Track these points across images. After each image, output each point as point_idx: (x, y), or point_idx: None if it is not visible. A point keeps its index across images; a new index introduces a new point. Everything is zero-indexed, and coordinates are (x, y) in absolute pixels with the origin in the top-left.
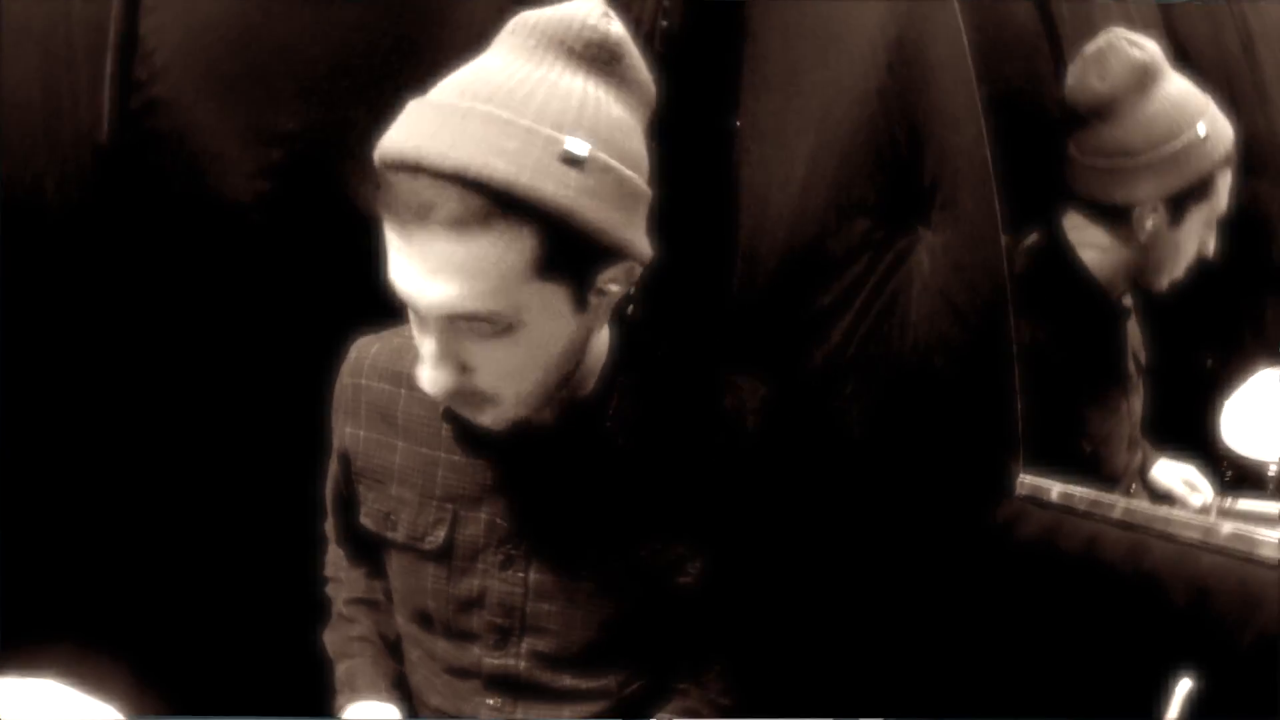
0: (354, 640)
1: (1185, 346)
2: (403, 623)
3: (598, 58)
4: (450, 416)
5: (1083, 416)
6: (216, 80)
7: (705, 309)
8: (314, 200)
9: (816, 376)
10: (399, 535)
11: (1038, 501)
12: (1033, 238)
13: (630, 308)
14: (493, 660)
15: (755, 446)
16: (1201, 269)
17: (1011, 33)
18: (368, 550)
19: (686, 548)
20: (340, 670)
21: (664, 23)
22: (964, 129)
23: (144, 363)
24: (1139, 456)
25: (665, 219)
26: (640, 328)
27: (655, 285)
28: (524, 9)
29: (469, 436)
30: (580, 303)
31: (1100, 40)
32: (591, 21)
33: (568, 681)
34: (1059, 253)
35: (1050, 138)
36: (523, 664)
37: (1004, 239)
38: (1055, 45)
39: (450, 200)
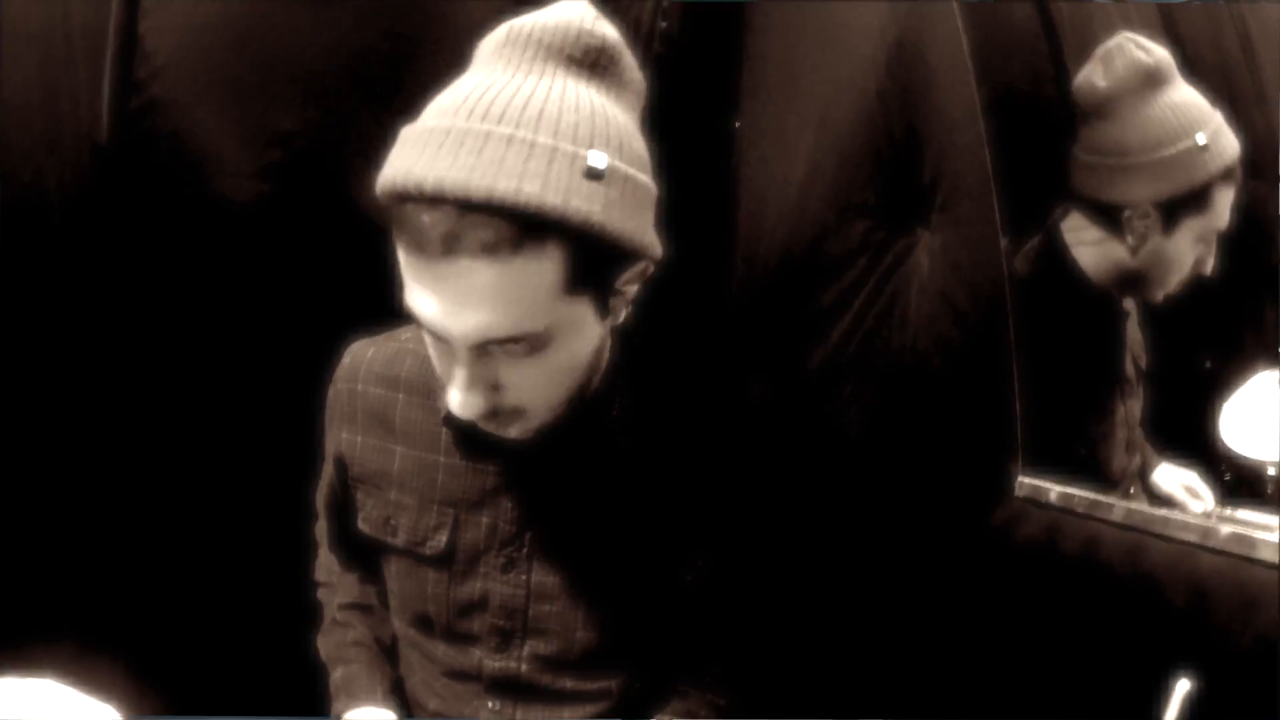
0: (349, 646)
1: (1184, 348)
2: (401, 627)
3: (597, 64)
4: (449, 420)
5: (1082, 419)
6: (216, 81)
7: (705, 309)
8: (313, 201)
9: (816, 377)
10: (399, 540)
11: (1037, 503)
12: (1033, 240)
13: (630, 307)
14: (494, 663)
15: (756, 447)
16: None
17: (1011, 34)
18: (361, 555)
19: (688, 549)
20: (335, 676)
21: (663, 24)
22: (963, 130)
23: (142, 363)
24: (1138, 459)
25: (665, 220)
26: (640, 328)
27: (655, 286)
28: (522, 10)
29: (469, 440)
30: (604, 310)
31: (1111, 42)
32: (587, 27)
33: (569, 684)
34: (1058, 255)
35: (1050, 138)
36: (524, 667)
37: (1004, 241)
38: (1054, 46)
39: (478, 229)
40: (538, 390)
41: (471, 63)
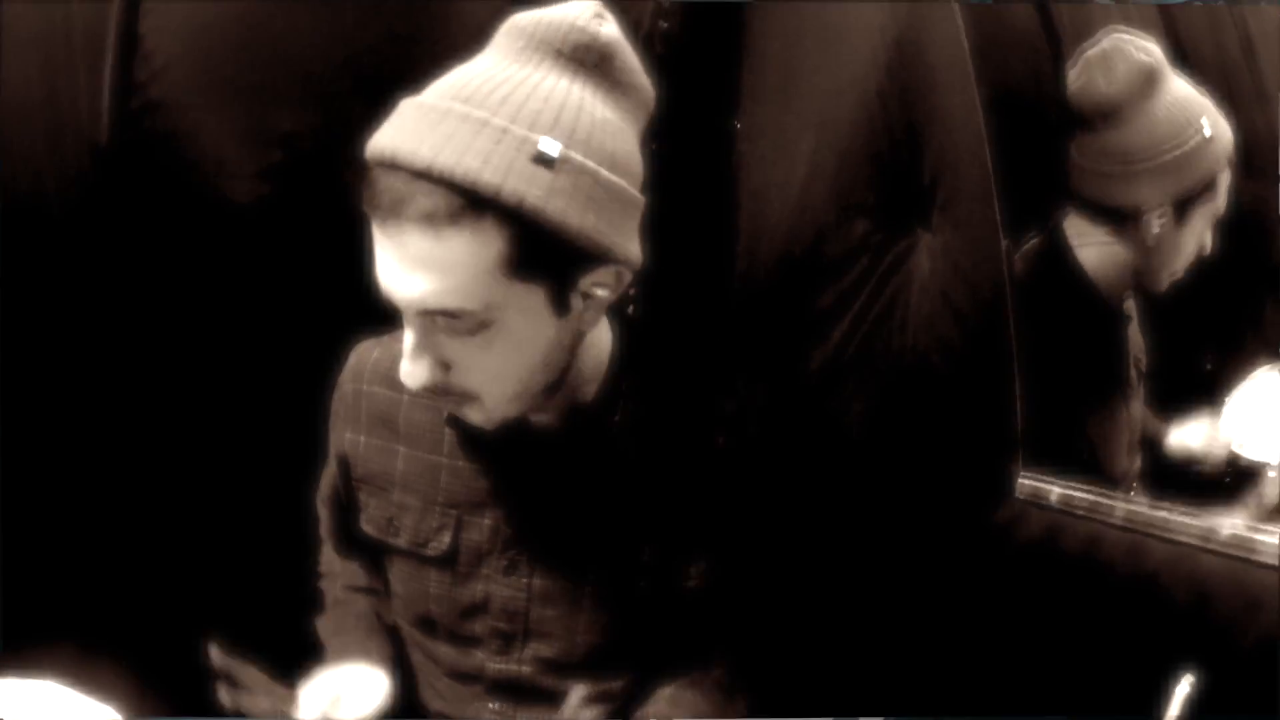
0: (349, 617)
1: (1185, 347)
2: (404, 627)
3: (585, 60)
4: (453, 421)
5: (1083, 421)
6: (216, 81)
7: (705, 310)
8: (313, 201)
9: (816, 378)
10: (401, 541)
11: (1037, 503)
12: (1033, 241)
13: (631, 308)
14: (496, 665)
15: (757, 449)
16: (1202, 270)
17: (1011, 34)
18: (366, 553)
19: (690, 551)
20: (333, 644)
21: (663, 24)
22: (964, 130)
23: (144, 364)
24: (1139, 460)
25: (665, 220)
26: (641, 330)
27: (655, 287)
28: (522, 9)
29: (472, 442)
30: (561, 305)
31: (1103, 43)
32: (581, 23)
33: (571, 686)
34: (1060, 256)
35: (1050, 139)
36: (526, 669)
37: (1004, 242)
38: (1055, 46)
39: (420, 196)
40: (485, 375)
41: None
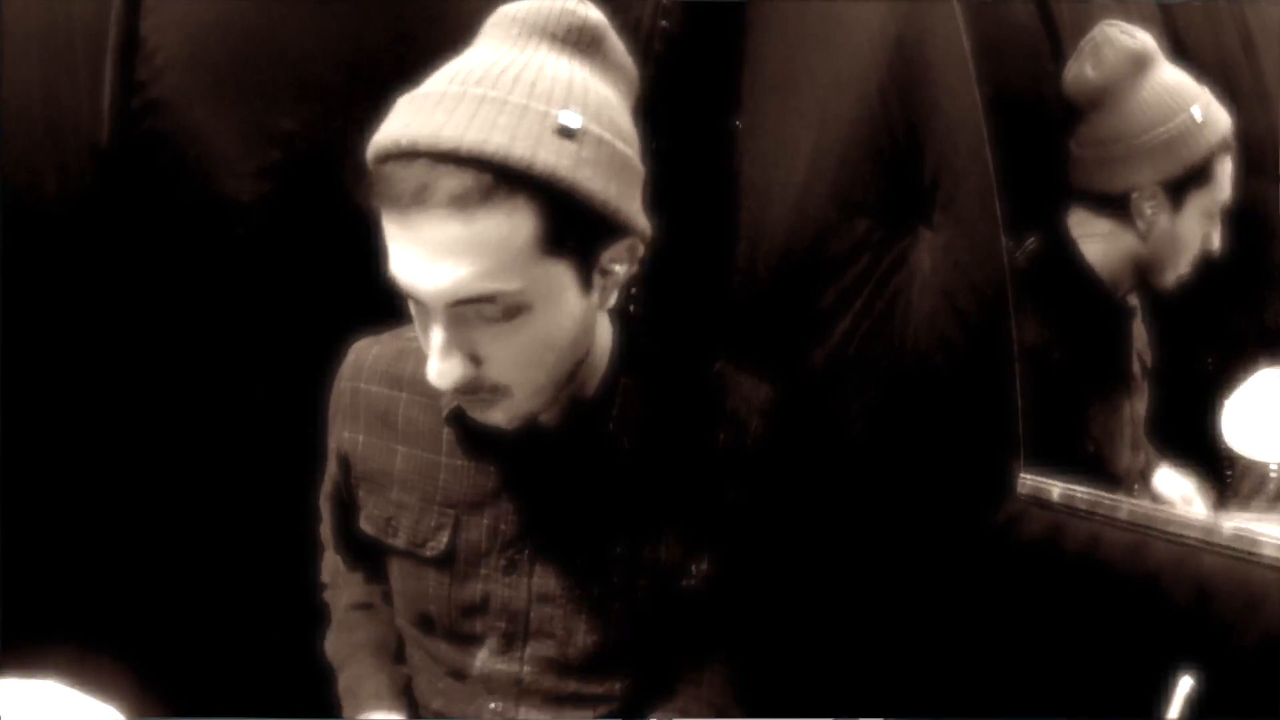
0: (354, 647)
1: (1186, 346)
2: (404, 626)
3: (579, 41)
4: (452, 420)
5: (1086, 417)
6: (217, 80)
7: (706, 308)
8: (314, 200)
9: (817, 376)
10: (400, 541)
11: (1039, 501)
12: (1035, 238)
13: (631, 306)
14: (496, 665)
15: (758, 447)
16: (1205, 267)
17: (1011, 32)
18: (366, 555)
19: (691, 550)
20: (343, 679)
21: (663, 23)
22: (964, 128)
23: (144, 364)
24: (1142, 458)
25: (666, 219)
26: (641, 327)
27: (656, 284)
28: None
29: (470, 441)
30: (586, 282)
31: (1094, 33)
32: (569, 9)
33: (572, 686)
34: (1063, 251)
35: (1051, 136)
36: (526, 669)
37: (1006, 240)
38: (1055, 44)
39: (448, 178)
40: (518, 365)
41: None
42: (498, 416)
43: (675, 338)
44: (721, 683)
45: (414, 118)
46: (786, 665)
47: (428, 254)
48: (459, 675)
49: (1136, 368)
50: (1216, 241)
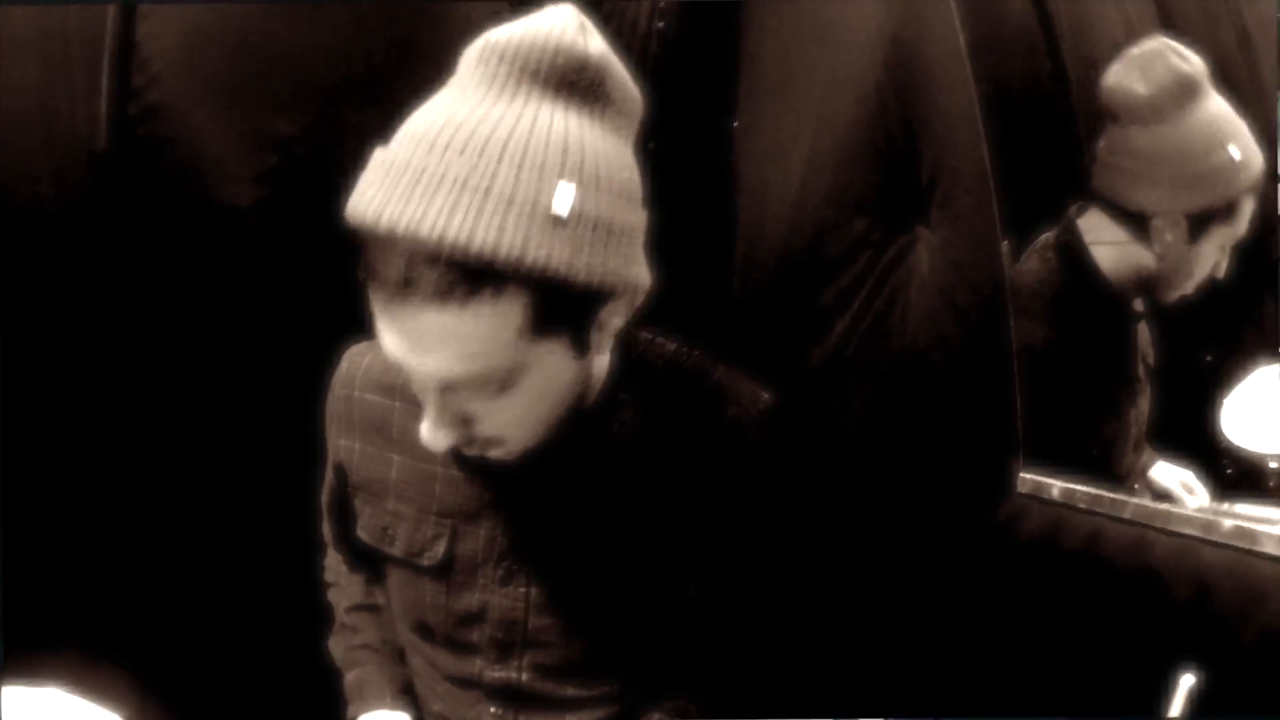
0: (358, 649)
1: (1185, 342)
2: (403, 632)
3: (576, 85)
4: None
5: (1090, 418)
6: (213, 86)
7: (704, 309)
8: (311, 205)
9: (816, 376)
10: (397, 550)
11: (1039, 499)
12: (1046, 236)
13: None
14: (494, 673)
15: (758, 456)
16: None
17: (1008, 30)
18: (367, 556)
19: (689, 559)
20: (348, 680)
21: (660, 24)
22: (961, 127)
23: (143, 369)
24: (1143, 457)
25: (663, 220)
26: (639, 335)
27: (655, 286)
28: (519, 13)
29: None
30: (582, 346)
31: (1148, 45)
32: (566, 43)
33: (570, 692)
34: (1074, 252)
35: (1050, 134)
36: (524, 676)
37: (1007, 239)
38: (1052, 42)
39: (431, 273)
40: (512, 423)
41: (454, 73)
42: (495, 455)
43: (673, 341)
44: (694, 689)
45: (392, 195)
46: (785, 664)
47: (414, 343)
48: (458, 681)
49: (1140, 370)
50: (1224, 269)
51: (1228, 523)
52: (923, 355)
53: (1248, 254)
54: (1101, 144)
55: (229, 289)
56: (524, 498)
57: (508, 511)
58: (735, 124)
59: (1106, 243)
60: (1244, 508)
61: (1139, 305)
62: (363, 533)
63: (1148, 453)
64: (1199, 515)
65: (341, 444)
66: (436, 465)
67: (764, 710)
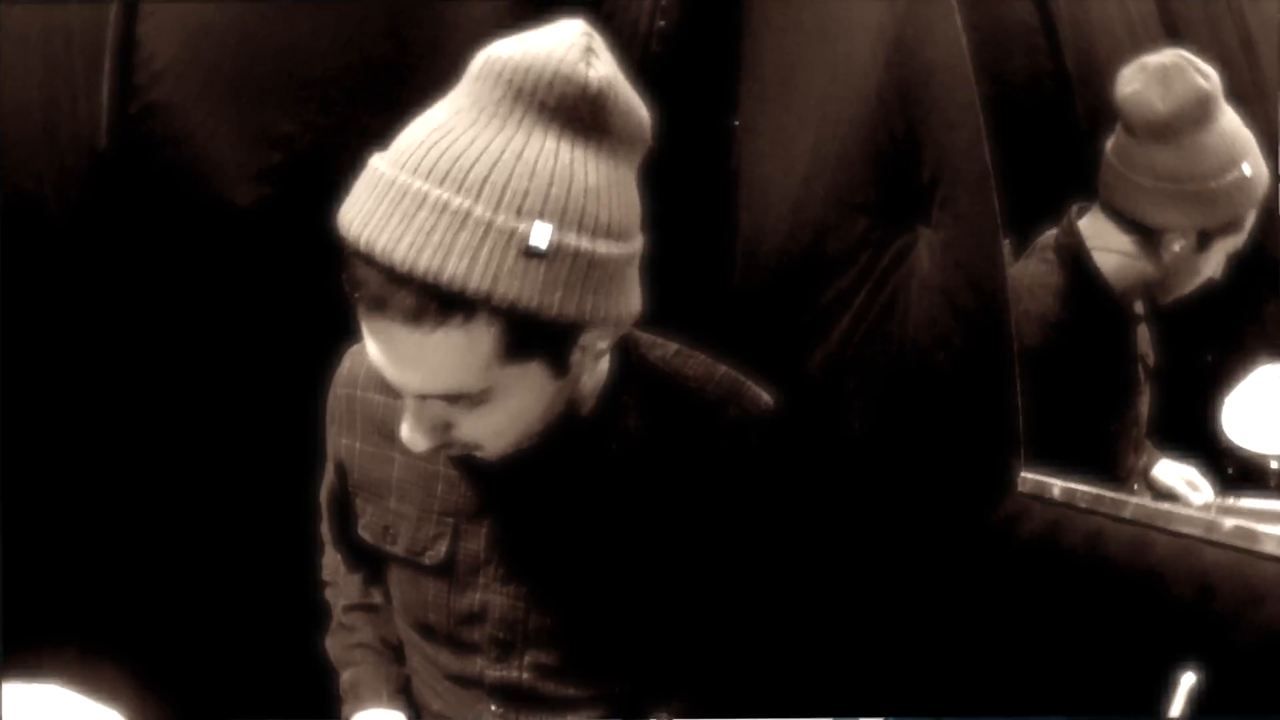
0: (355, 648)
1: (1186, 342)
2: (404, 631)
3: (574, 112)
4: None
5: (1091, 419)
6: (215, 84)
7: (705, 309)
8: (312, 203)
9: (817, 375)
10: (398, 549)
11: (1040, 498)
12: (1046, 237)
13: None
14: (495, 672)
15: (760, 457)
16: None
17: (1010, 30)
18: (366, 555)
19: (690, 559)
20: (344, 679)
21: (661, 23)
22: (962, 127)
23: (144, 367)
24: (1143, 458)
25: (664, 219)
26: (640, 333)
27: (654, 287)
28: (523, 17)
29: None
30: (560, 368)
31: (1165, 58)
32: (566, 69)
33: (571, 691)
34: (1076, 255)
35: (1050, 134)
36: (525, 675)
37: (1008, 238)
38: (1053, 42)
39: (403, 295)
40: (490, 434)
41: (459, 80)
42: (478, 455)
43: (675, 343)
44: (682, 689)
45: (374, 213)
46: (785, 664)
47: (389, 357)
48: (459, 680)
49: (1140, 371)
50: (1220, 272)
51: (1228, 523)
52: (924, 355)
53: (1248, 254)
54: (1111, 151)
55: (230, 287)
56: (526, 498)
57: (510, 511)
58: (736, 123)
59: (1112, 250)
60: (1249, 501)
61: (1139, 308)
62: (364, 532)
63: (1150, 452)
64: (1199, 515)
65: (343, 443)
66: (438, 465)
67: (764, 710)
